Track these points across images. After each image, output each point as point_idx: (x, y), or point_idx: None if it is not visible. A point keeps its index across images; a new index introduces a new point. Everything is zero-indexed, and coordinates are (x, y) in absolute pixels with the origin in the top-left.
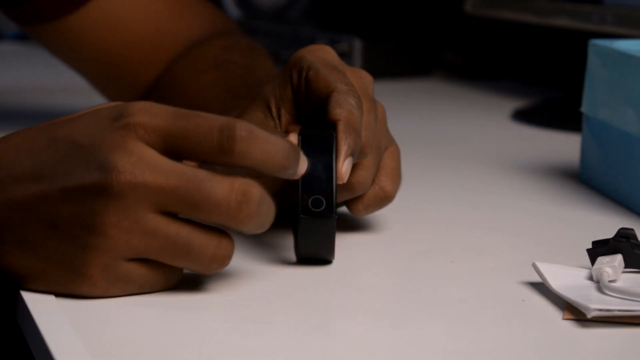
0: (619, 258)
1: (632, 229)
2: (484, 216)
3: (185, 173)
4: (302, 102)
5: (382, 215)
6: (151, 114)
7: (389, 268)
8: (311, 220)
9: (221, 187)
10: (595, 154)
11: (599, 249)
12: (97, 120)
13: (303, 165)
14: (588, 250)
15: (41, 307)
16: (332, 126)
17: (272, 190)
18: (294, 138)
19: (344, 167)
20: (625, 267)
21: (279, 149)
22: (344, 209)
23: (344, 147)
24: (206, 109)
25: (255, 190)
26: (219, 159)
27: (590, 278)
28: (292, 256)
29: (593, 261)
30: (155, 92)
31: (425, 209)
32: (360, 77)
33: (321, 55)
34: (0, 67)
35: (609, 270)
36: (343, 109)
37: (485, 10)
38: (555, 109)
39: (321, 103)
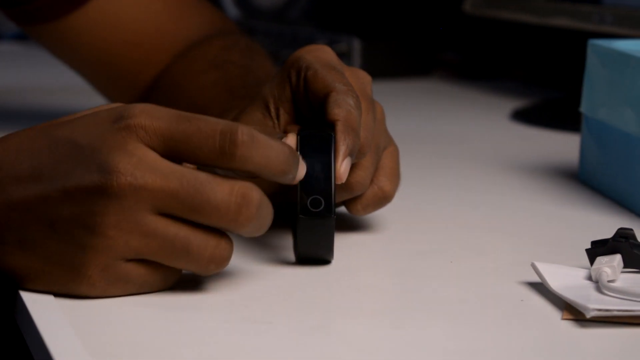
0: (618, 258)
1: (631, 229)
2: (483, 216)
3: (185, 176)
4: (300, 102)
5: (381, 215)
6: (152, 116)
7: (388, 268)
8: (310, 220)
9: (221, 190)
10: (595, 154)
11: (598, 249)
12: (98, 121)
13: (302, 170)
14: (587, 250)
15: (40, 307)
16: (331, 126)
17: (270, 192)
18: (292, 138)
19: (342, 167)
20: (624, 267)
21: (279, 154)
22: (342, 209)
23: (342, 147)
24: (205, 108)
25: (255, 194)
26: (220, 162)
27: (589, 278)
28: (291, 256)
29: (592, 261)
30: (154, 92)
31: (424, 209)
32: (359, 77)
33: (320, 55)
34: (0, 67)
35: (608, 270)
36: (342, 109)
37: (484, 10)
38: (554, 109)
39: (320, 103)
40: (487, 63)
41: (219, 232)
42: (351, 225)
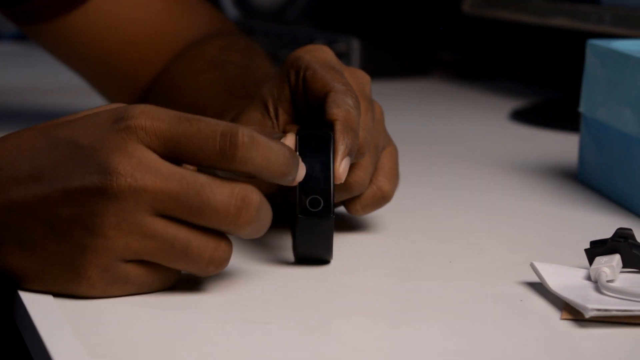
0: (617, 258)
1: (630, 229)
2: (482, 216)
3: (185, 177)
4: (299, 102)
5: (379, 215)
6: (153, 117)
7: (387, 268)
8: (309, 220)
9: (221, 193)
10: (593, 154)
11: (597, 249)
12: (98, 122)
13: (301, 172)
14: (586, 250)
15: (39, 307)
16: (330, 126)
17: (269, 192)
18: (291, 138)
19: (341, 167)
20: (624, 267)
21: (280, 155)
22: (341, 208)
23: (341, 147)
24: (204, 108)
25: (255, 196)
26: (220, 164)
27: (588, 278)
28: (290, 256)
29: (591, 261)
30: (153, 92)
31: (423, 209)
32: (358, 77)
33: (318, 55)
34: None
35: (607, 270)
36: (340, 108)
37: (483, 10)
38: (553, 109)
39: (319, 103)
40: (486, 63)
41: (219, 234)
42: (350, 225)
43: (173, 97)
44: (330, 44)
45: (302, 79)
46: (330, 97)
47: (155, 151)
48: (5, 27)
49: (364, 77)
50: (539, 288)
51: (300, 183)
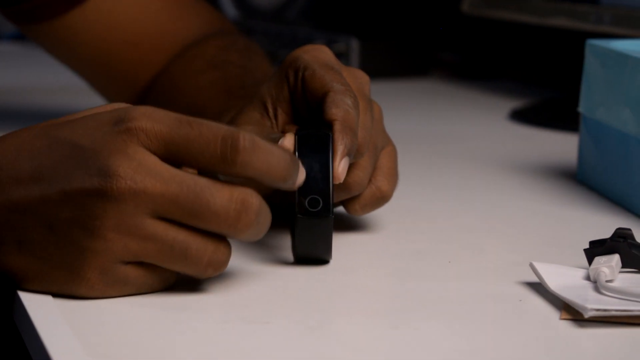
0: (616, 258)
1: (629, 229)
2: (481, 216)
3: (185, 180)
4: (298, 102)
5: (379, 215)
6: (154, 120)
7: (386, 268)
8: (308, 220)
9: (221, 196)
10: (593, 154)
11: (596, 249)
12: (98, 123)
13: (301, 176)
14: (585, 250)
15: (38, 307)
16: (329, 126)
17: (268, 192)
18: (290, 138)
19: (340, 167)
20: (623, 267)
21: (280, 160)
22: (341, 208)
23: (340, 147)
24: (203, 108)
25: (254, 200)
26: (221, 168)
27: (588, 278)
28: (290, 256)
29: (590, 261)
30: (152, 92)
31: (422, 208)
32: (357, 77)
33: (317, 55)
34: None
35: (606, 270)
36: (339, 108)
37: (482, 10)
38: (552, 109)
39: (317, 103)
40: (486, 63)
41: (218, 237)
42: (349, 225)
43: (172, 97)
44: (329, 44)
45: (301, 79)
46: (329, 97)
47: (155, 154)
48: (5, 27)
49: (363, 77)
50: (539, 288)
51: None
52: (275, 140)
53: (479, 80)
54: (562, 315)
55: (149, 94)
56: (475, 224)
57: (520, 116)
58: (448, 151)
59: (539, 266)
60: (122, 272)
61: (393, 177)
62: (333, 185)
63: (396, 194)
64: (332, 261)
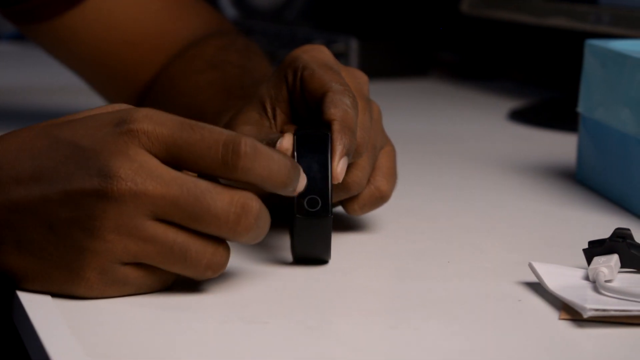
0: (615, 258)
1: (628, 229)
2: (480, 216)
3: (186, 183)
4: (297, 102)
5: (378, 215)
6: (155, 122)
7: (385, 268)
8: (307, 220)
9: (221, 199)
10: (592, 154)
11: (595, 249)
12: (100, 123)
13: (302, 182)
14: (584, 250)
15: (37, 307)
16: (328, 126)
17: (267, 192)
18: (289, 138)
19: (339, 167)
20: (622, 267)
21: (281, 166)
22: (340, 208)
23: (339, 147)
24: (202, 108)
25: (254, 204)
26: (222, 173)
27: (587, 278)
28: (289, 256)
29: (589, 261)
30: (151, 92)
31: (421, 208)
32: (356, 77)
33: (316, 55)
34: None
35: (605, 270)
36: (338, 108)
37: (481, 10)
38: (551, 109)
39: (316, 103)
40: (485, 63)
41: (217, 239)
42: (348, 225)
43: (171, 97)
44: (328, 44)
45: (300, 79)
46: (328, 97)
47: (156, 156)
48: (4, 27)
49: (362, 77)
50: (538, 288)
51: None
52: (274, 141)
53: (478, 80)
54: (561, 315)
55: (148, 94)
56: (475, 224)
57: (520, 116)
58: (447, 151)
59: (538, 266)
60: (122, 273)
61: (392, 177)
62: (332, 185)
63: (395, 194)
64: (331, 261)
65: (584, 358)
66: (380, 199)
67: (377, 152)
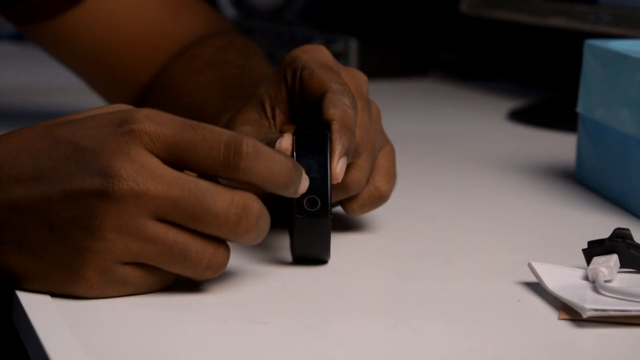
0: (614, 258)
1: (628, 229)
2: (479, 216)
3: (187, 184)
4: (296, 102)
5: (377, 215)
6: (157, 122)
7: (384, 268)
8: (306, 220)
9: (222, 200)
10: (591, 154)
11: (594, 249)
12: (100, 124)
13: (304, 183)
14: (584, 250)
15: (37, 307)
16: (327, 126)
17: (266, 193)
18: (288, 138)
19: (338, 167)
20: (621, 267)
21: (283, 167)
22: (339, 208)
23: (338, 147)
24: (202, 108)
25: (255, 204)
26: (224, 173)
27: (586, 278)
28: (288, 256)
29: (589, 261)
30: (151, 92)
31: (420, 208)
32: (355, 77)
33: (315, 55)
34: None
35: (604, 270)
36: (337, 108)
37: (481, 10)
38: (551, 109)
39: (315, 103)
40: (484, 63)
41: (217, 239)
42: (347, 225)
43: (171, 97)
44: (328, 44)
45: (299, 79)
46: (327, 97)
47: (158, 156)
48: (4, 27)
49: (361, 77)
50: (537, 288)
51: None
52: (273, 141)
53: (478, 80)
54: (561, 315)
55: (147, 94)
56: (474, 224)
57: (519, 116)
58: (446, 151)
59: (537, 266)
60: (122, 273)
61: (391, 177)
62: (331, 185)
63: (394, 194)
64: (330, 261)
65: (584, 358)
66: (380, 199)
67: (376, 152)
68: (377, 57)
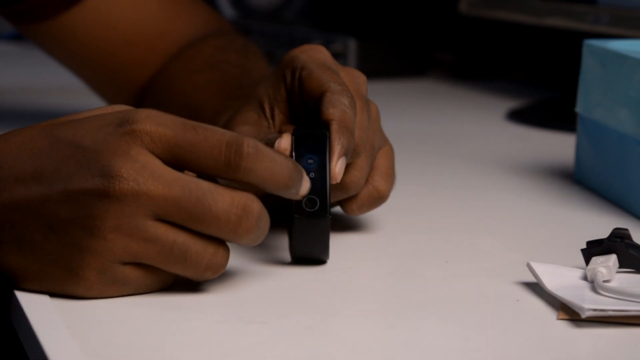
0: (613, 258)
1: (627, 229)
2: (478, 216)
3: (187, 184)
4: (295, 102)
5: (376, 215)
6: (158, 123)
7: (383, 268)
8: (305, 220)
9: (222, 201)
10: (590, 154)
11: (593, 249)
12: (101, 124)
13: (305, 185)
14: (582, 250)
15: (35, 306)
16: (326, 126)
17: (264, 194)
18: (287, 138)
19: (337, 167)
20: (620, 267)
21: (284, 168)
22: (338, 209)
23: (337, 147)
24: (200, 108)
25: (255, 205)
26: (224, 173)
27: (585, 278)
28: (287, 256)
29: (587, 261)
30: (149, 91)
31: (419, 208)
32: (354, 77)
33: (314, 55)
34: None
35: (603, 270)
36: (336, 108)
37: (479, 10)
38: (550, 109)
39: (314, 103)
40: (483, 63)
41: (217, 240)
42: (346, 225)
43: (170, 97)
44: (327, 44)
45: (298, 78)
46: (326, 97)
47: (158, 157)
48: (3, 27)
49: (360, 77)
50: (536, 288)
51: None
52: (272, 141)
53: (477, 80)
54: (560, 315)
55: (146, 94)
56: (473, 224)
57: (518, 116)
58: (445, 151)
59: (536, 266)
60: (121, 273)
61: (390, 177)
62: (330, 185)
63: (393, 194)
64: (329, 261)
65: (582, 358)
66: (379, 199)
67: (375, 152)
68: (376, 57)
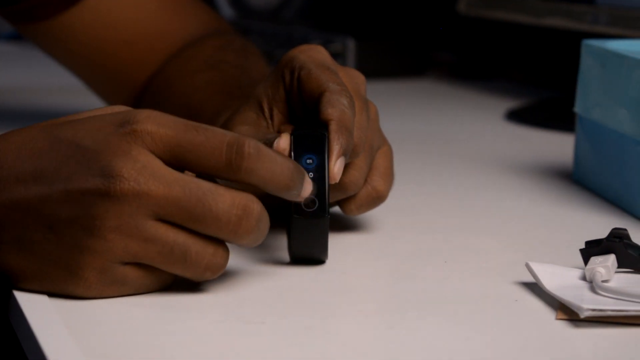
0: (612, 258)
1: (625, 229)
2: (477, 216)
3: (188, 184)
4: (294, 102)
5: (374, 215)
6: (159, 123)
7: (382, 268)
8: (304, 220)
9: (223, 201)
10: (589, 154)
11: (592, 249)
12: (102, 124)
13: (307, 187)
14: (581, 250)
15: (34, 306)
16: (325, 126)
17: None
18: (286, 138)
19: (336, 167)
20: (619, 267)
21: (284, 169)
22: (337, 209)
23: (336, 147)
24: (200, 108)
25: (256, 206)
26: (225, 174)
27: (584, 278)
28: (286, 256)
29: (586, 261)
30: (148, 91)
31: (418, 208)
32: (353, 77)
33: (313, 55)
34: None
35: (602, 270)
36: (335, 108)
37: (479, 10)
38: (548, 109)
39: (313, 103)
40: (482, 63)
41: (216, 240)
42: (345, 225)
43: (168, 97)
44: (325, 44)
45: (297, 78)
46: (325, 97)
47: (159, 157)
48: (2, 27)
49: (359, 77)
50: (535, 288)
51: None
52: (271, 141)
53: (476, 80)
54: (558, 315)
55: (145, 94)
56: (471, 224)
57: (517, 116)
58: (444, 151)
59: (534, 266)
60: (121, 273)
61: (389, 177)
62: (329, 185)
63: (392, 194)
64: (328, 261)
65: (581, 358)
66: (377, 199)
67: (374, 152)
68: (375, 57)
